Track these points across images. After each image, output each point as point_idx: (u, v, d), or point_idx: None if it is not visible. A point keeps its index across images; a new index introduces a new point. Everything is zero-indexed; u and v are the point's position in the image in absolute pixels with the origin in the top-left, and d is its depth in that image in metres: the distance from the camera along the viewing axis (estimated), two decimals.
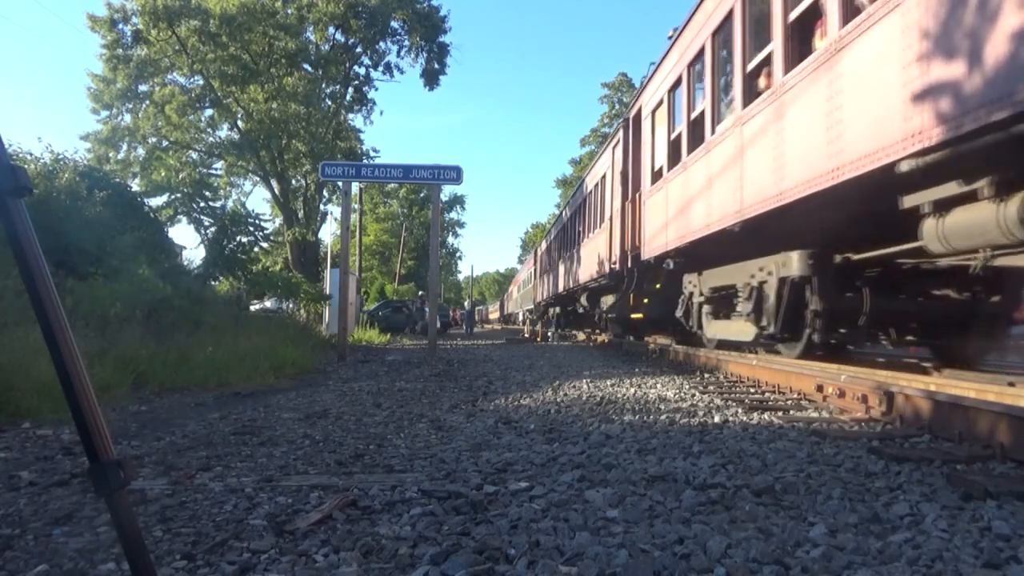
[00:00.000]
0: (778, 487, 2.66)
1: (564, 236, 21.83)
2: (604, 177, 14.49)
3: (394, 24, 27.78)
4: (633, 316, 13.65)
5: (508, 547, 2.02)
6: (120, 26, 24.83)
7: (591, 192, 16.37)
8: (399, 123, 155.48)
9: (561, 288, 21.56)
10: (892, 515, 2.31)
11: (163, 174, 14.53)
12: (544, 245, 29.60)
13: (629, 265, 11.96)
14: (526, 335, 26.84)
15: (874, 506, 2.39)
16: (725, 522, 2.24)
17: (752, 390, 6.09)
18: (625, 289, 13.04)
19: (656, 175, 10.31)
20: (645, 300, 12.57)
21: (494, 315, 74.06)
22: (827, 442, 3.56)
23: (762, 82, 6.72)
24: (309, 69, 27.65)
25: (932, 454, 3.19)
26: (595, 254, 15.16)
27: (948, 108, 3.93)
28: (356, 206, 29.87)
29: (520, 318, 44.40)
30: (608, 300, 15.32)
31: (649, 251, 10.64)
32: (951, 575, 1.82)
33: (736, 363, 7.29)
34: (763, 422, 4.26)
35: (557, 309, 26.58)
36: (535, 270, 33.20)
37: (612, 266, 13.03)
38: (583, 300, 18.37)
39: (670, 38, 9.56)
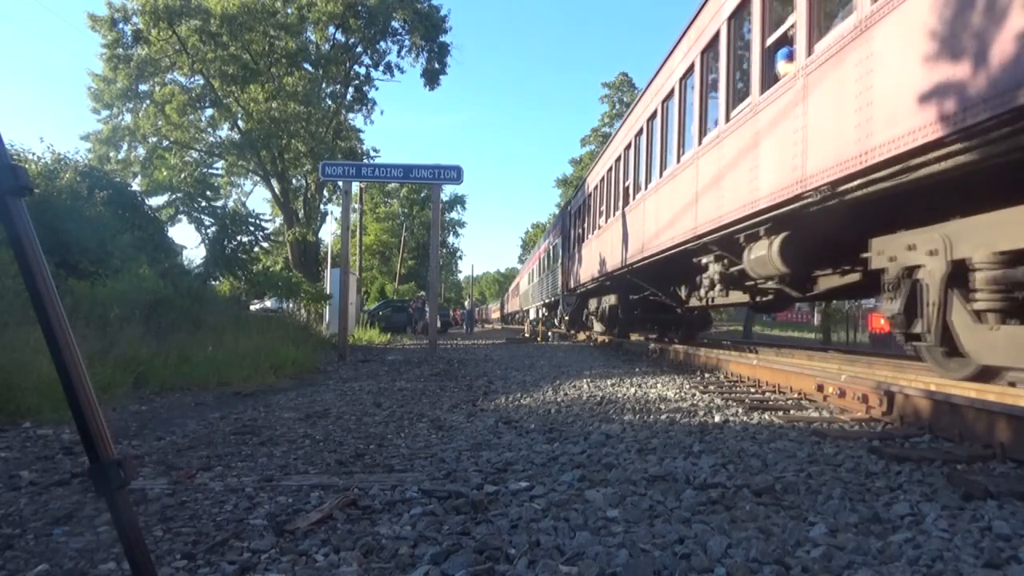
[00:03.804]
0: (778, 487, 2.66)
1: (632, 160, 11.94)
2: None
3: (394, 24, 27.82)
4: None
5: (508, 547, 2.02)
6: (120, 25, 24.87)
7: None
8: (399, 123, 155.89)
9: (642, 251, 10.84)
10: (892, 515, 2.31)
11: (164, 174, 14.54)
12: (583, 197, 18.07)
13: None
14: (526, 335, 26.74)
15: (874, 506, 2.39)
16: (725, 522, 2.24)
17: (752, 390, 6.09)
18: None
19: None
20: None
21: (495, 315, 74.02)
22: (827, 442, 3.56)
23: None
24: (309, 69, 27.68)
25: (932, 454, 3.19)
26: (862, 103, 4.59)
27: None
28: (356, 206, 29.91)
29: (532, 316, 30.99)
30: None
31: None
32: (952, 575, 1.82)
33: (737, 363, 7.29)
34: (763, 422, 4.26)
35: (611, 299, 15.50)
36: (556, 248, 22.92)
37: None
38: (754, 252, 7.01)
39: None
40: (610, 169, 14.15)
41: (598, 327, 17.72)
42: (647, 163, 10.87)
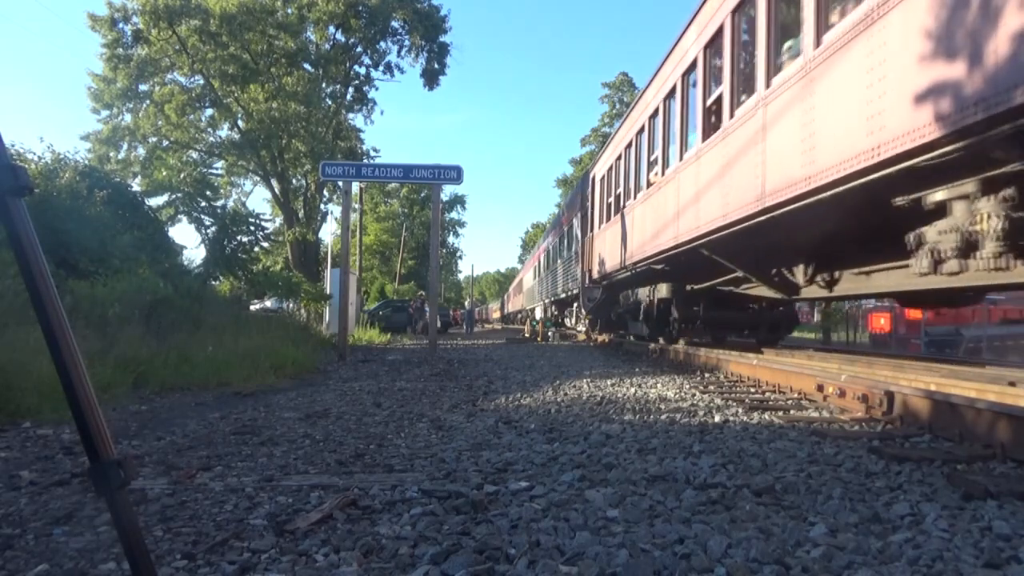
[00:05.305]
0: (778, 487, 2.66)
1: (728, 55, 6.96)
2: None
3: (394, 24, 27.86)
4: None
5: (508, 547, 2.02)
6: (120, 25, 24.88)
7: None
8: (399, 123, 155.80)
9: (759, 199, 6.02)
10: (892, 515, 2.31)
11: (164, 174, 14.55)
12: (620, 149, 12.70)
13: None
14: (526, 335, 26.67)
15: (874, 506, 2.39)
16: (725, 522, 2.24)
17: (752, 390, 6.09)
18: None
19: None
20: None
21: (495, 315, 73.95)
22: (827, 442, 3.56)
23: None
24: (309, 69, 27.69)
25: (932, 454, 3.19)
26: None
27: None
28: (356, 206, 29.87)
29: (539, 316, 26.15)
30: None
31: None
32: (952, 575, 1.82)
33: (737, 363, 7.28)
34: (763, 422, 4.26)
35: (663, 290, 11.00)
36: (572, 231, 18.54)
37: None
38: None
39: None
40: (670, 93, 9.16)
41: (638, 328, 12.91)
42: (768, 42, 6.07)
